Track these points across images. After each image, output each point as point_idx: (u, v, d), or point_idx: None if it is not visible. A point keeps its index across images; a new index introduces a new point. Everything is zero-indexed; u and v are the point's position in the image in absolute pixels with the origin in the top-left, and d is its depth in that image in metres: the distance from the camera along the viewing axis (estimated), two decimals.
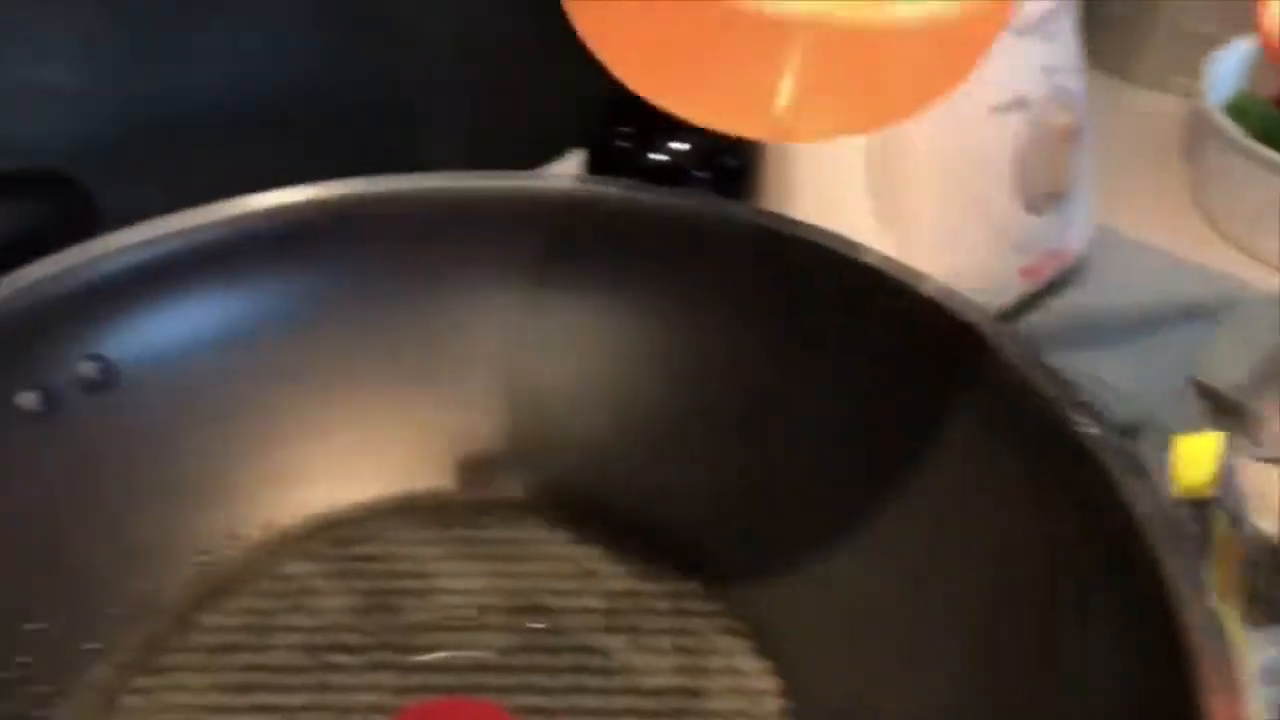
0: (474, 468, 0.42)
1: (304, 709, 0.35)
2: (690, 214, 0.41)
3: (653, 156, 0.49)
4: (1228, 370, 0.52)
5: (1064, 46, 0.56)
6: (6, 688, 0.35)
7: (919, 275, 0.38)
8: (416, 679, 0.36)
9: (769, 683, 0.36)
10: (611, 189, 0.41)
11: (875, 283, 0.38)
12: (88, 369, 0.39)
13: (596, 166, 0.51)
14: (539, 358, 0.42)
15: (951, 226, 0.54)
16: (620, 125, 0.50)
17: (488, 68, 0.58)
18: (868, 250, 0.39)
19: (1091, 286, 0.63)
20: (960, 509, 0.36)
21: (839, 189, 0.52)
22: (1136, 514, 0.30)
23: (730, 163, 0.51)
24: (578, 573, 0.39)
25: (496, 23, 0.58)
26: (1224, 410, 0.49)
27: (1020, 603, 0.34)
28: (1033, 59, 0.55)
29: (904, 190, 0.53)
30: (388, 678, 0.36)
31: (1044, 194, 0.57)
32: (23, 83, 0.45)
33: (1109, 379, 0.45)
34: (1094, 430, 0.32)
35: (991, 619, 0.34)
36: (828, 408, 0.39)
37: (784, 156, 0.52)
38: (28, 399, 0.37)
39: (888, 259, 0.38)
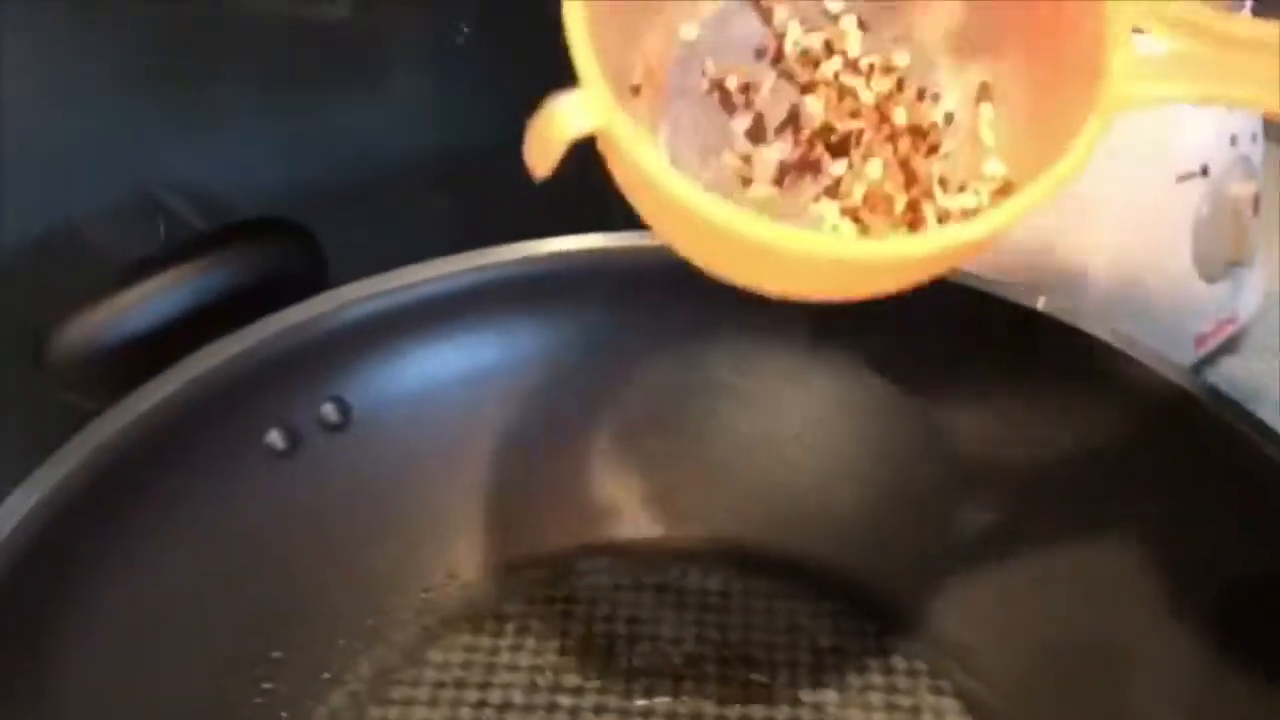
0: (679, 518, 0.43)
1: None
2: None
3: None
4: None
5: (1246, 115, 0.57)
6: (254, 712, 0.37)
7: (1130, 340, 0.39)
8: None
9: None
10: None
11: (1091, 350, 0.39)
12: (329, 410, 0.41)
13: None
14: (750, 417, 0.43)
15: (1131, 294, 0.55)
16: None
17: None
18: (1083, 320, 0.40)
19: (1256, 350, 0.63)
20: (1168, 557, 0.36)
21: (1021, 255, 0.52)
22: None
23: None
24: (785, 627, 0.40)
25: None
26: None
27: (1234, 649, 0.34)
28: (1218, 128, 0.55)
29: (1084, 257, 0.54)
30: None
31: (1222, 262, 0.57)
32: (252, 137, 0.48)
33: None
34: None
35: (1208, 673, 0.34)
36: (1038, 471, 0.40)
37: None
38: (275, 437, 0.40)
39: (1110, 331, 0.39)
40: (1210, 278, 0.57)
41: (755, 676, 0.39)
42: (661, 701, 0.38)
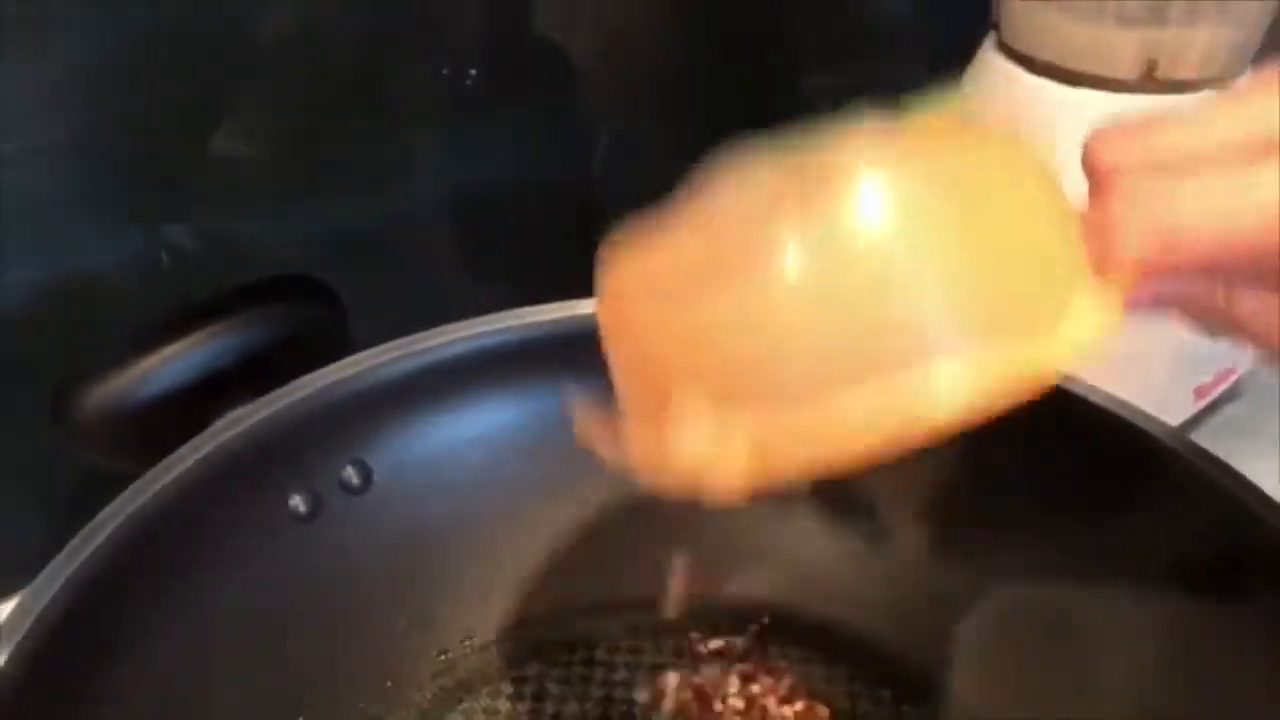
0: (698, 579, 0.44)
1: None
2: None
3: None
4: None
5: None
6: None
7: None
8: None
9: None
10: None
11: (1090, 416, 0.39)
12: (350, 473, 0.41)
13: None
14: None
15: (1134, 351, 0.55)
16: None
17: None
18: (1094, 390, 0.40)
19: (1250, 399, 0.64)
20: (1180, 631, 0.37)
21: None
22: None
23: None
24: (805, 691, 0.41)
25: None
26: None
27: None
28: None
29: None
30: None
31: None
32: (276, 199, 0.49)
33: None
34: None
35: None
36: (1052, 537, 0.40)
37: None
38: (298, 502, 0.40)
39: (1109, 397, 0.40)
40: (1210, 334, 0.58)
41: None
42: None
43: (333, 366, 0.40)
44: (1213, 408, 0.62)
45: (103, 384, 0.40)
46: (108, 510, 0.35)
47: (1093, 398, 0.40)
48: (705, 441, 0.24)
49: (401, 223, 0.53)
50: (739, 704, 0.40)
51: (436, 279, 0.54)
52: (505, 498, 0.43)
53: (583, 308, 0.43)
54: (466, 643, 0.42)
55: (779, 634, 0.43)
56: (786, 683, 0.41)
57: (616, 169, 0.60)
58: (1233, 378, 0.61)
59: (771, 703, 0.40)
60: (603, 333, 0.27)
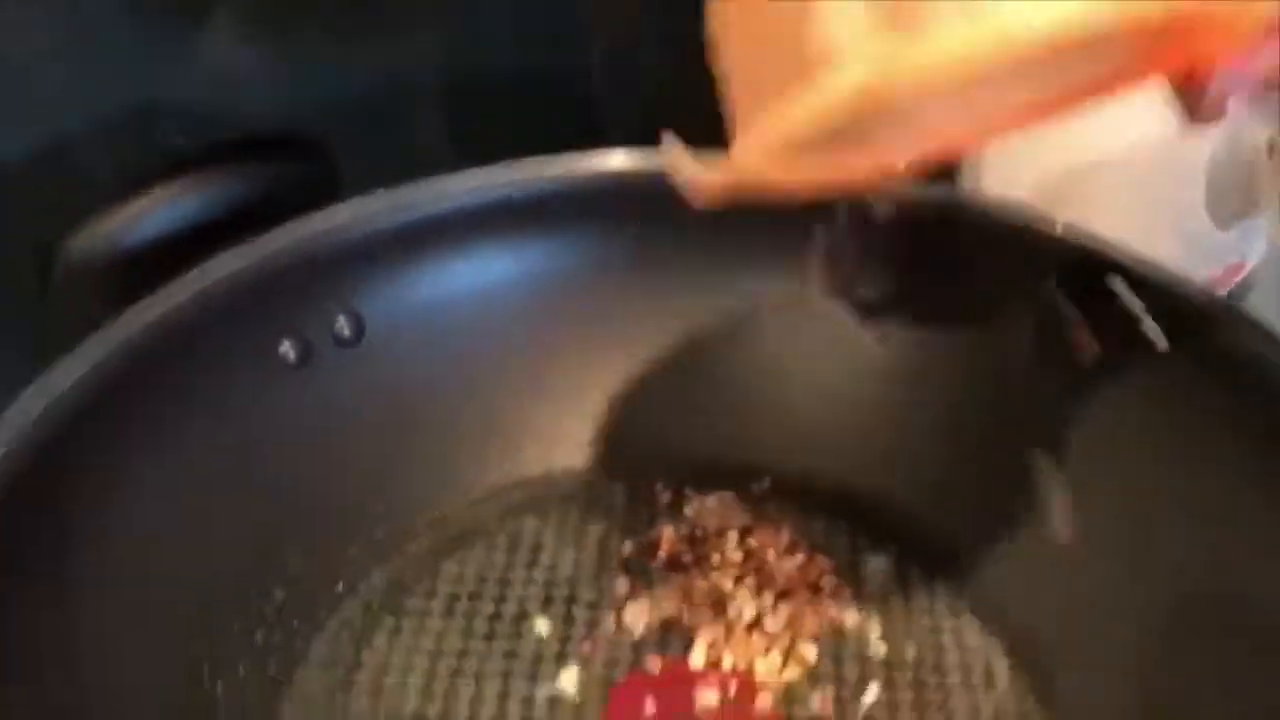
0: (696, 439, 0.43)
1: (548, 658, 0.37)
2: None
3: None
4: None
5: None
6: (268, 618, 0.37)
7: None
8: (653, 640, 0.37)
9: (1000, 662, 0.37)
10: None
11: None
12: (342, 324, 0.40)
13: None
14: (771, 340, 0.43)
15: (1141, 237, 0.54)
16: None
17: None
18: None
19: (1259, 296, 0.63)
20: (1176, 475, 0.36)
21: (1038, 195, 0.52)
22: None
23: None
24: (806, 545, 0.40)
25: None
26: None
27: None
28: None
29: (1095, 198, 0.53)
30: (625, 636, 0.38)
31: (1236, 208, 0.57)
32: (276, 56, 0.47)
33: None
34: None
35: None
36: (1062, 396, 0.39)
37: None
38: (287, 349, 0.39)
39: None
40: (1222, 223, 0.57)
41: (778, 596, 0.38)
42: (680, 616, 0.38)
43: (326, 211, 0.40)
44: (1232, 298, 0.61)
45: (91, 228, 0.39)
46: (91, 341, 0.34)
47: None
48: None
49: (395, 93, 0.52)
50: (736, 556, 0.39)
51: (429, 152, 0.53)
52: (501, 354, 0.42)
53: (583, 164, 0.42)
54: (461, 496, 0.42)
55: (780, 495, 0.42)
56: (786, 537, 0.40)
57: (616, 65, 0.59)
58: (1243, 271, 0.60)
59: (770, 555, 0.39)
60: (714, 33, 0.25)
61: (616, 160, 0.42)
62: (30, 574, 0.31)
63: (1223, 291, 0.59)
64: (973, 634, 0.38)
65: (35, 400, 0.32)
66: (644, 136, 0.42)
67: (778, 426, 0.43)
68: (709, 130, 0.26)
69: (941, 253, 0.41)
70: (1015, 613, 0.38)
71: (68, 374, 0.33)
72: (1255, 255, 0.61)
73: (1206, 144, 0.54)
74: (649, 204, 0.41)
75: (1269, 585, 0.33)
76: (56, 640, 0.31)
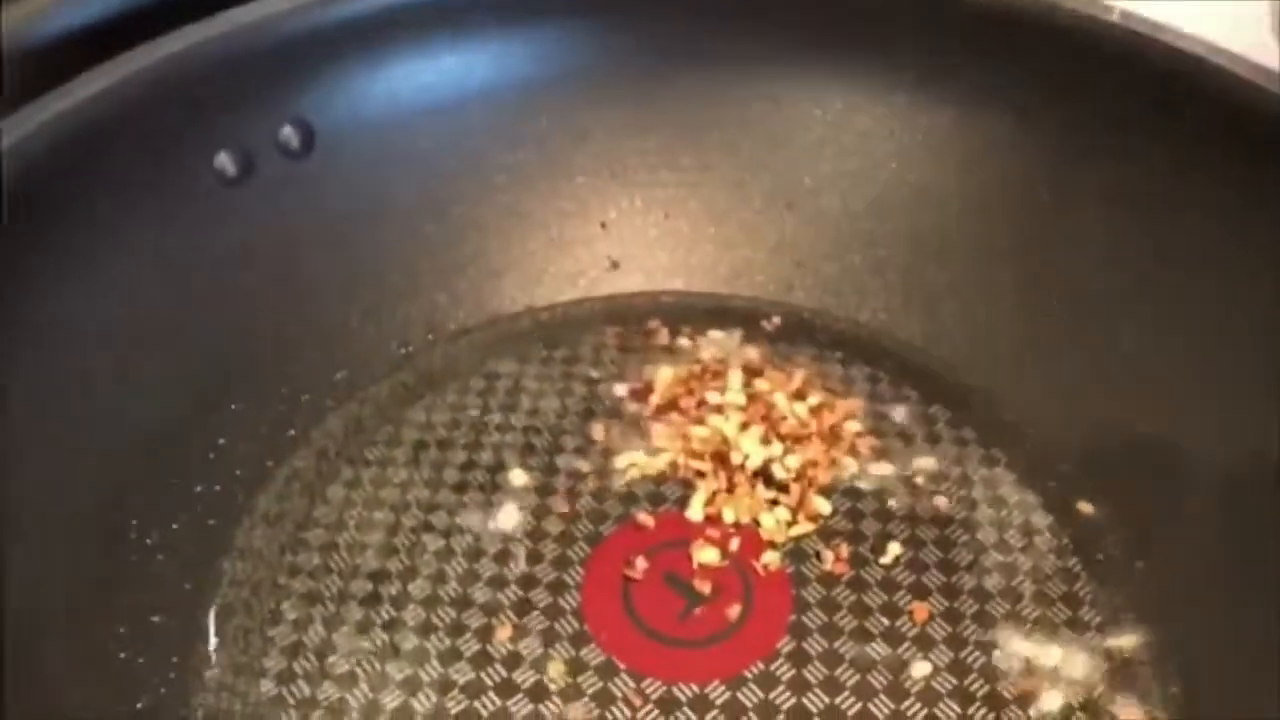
0: (688, 271, 0.38)
1: (529, 510, 0.32)
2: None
3: None
4: None
5: None
6: (210, 468, 0.32)
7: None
8: (644, 488, 0.33)
9: (1039, 518, 0.32)
10: None
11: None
12: (288, 134, 0.35)
13: None
14: (780, 154, 0.37)
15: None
16: None
17: None
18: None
19: None
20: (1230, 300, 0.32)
21: None
22: None
23: None
24: (822, 388, 0.36)
25: None
26: None
27: None
28: None
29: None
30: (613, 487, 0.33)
31: None
32: None
33: None
34: None
35: None
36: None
37: None
38: (224, 160, 0.34)
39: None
40: None
41: (788, 443, 0.34)
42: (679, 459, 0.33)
43: (264, 2, 0.34)
44: None
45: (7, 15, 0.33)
46: None
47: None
48: None
49: None
50: (739, 399, 0.35)
51: None
52: (474, 172, 0.37)
53: None
54: (430, 335, 0.37)
55: (791, 334, 0.37)
56: (798, 380, 0.36)
57: None
58: None
59: (780, 398, 0.35)
60: None
61: None
62: None
63: None
64: (1008, 487, 0.33)
65: None
66: None
67: (791, 257, 0.38)
68: None
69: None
70: (1057, 464, 0.33)
71: None
72: None
73: None
74: None
75: None
76: None
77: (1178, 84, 0.31)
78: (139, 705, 0.27)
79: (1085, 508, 0.32)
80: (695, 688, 0.28)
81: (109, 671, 0.27)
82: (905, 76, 0.35)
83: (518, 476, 0.33)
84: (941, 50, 0.34)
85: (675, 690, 0.28)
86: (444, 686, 0.28)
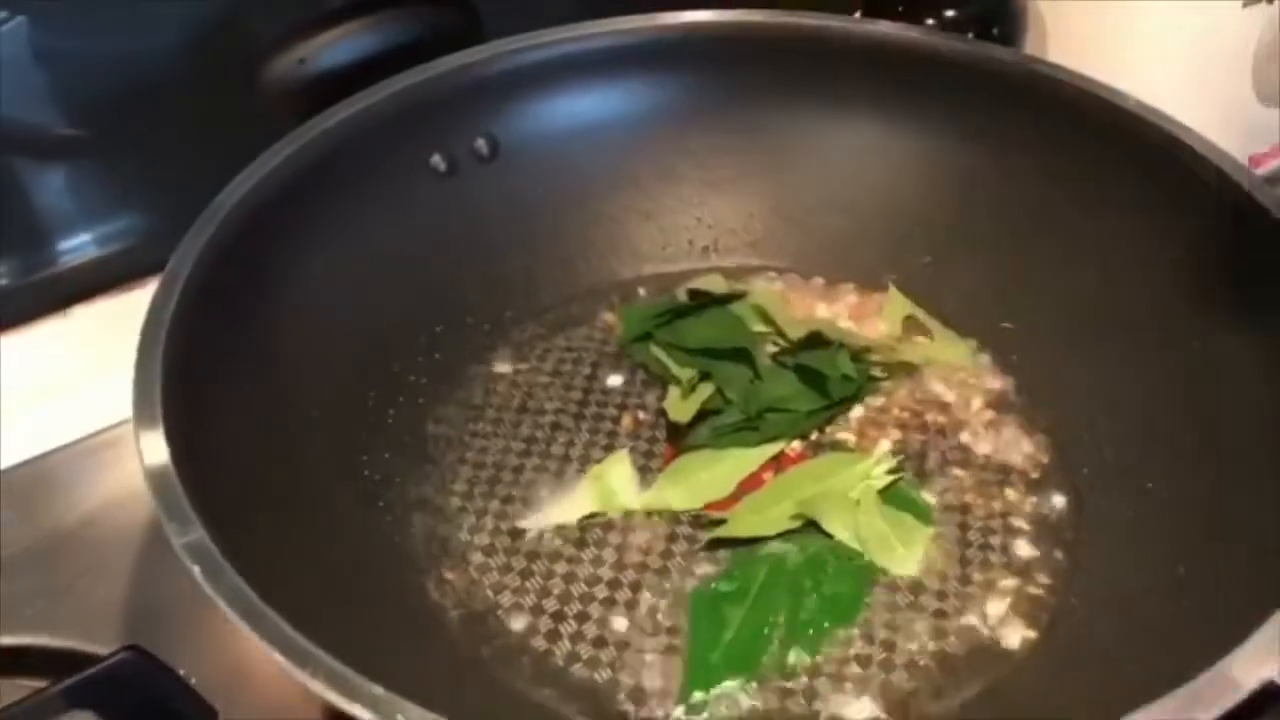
0: (760, 251, 0.52)
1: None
2: (963, 55, 0.49)
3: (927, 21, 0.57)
4: None
5: None
6: (423, 365, 0.47)
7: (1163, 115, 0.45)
8: None
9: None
10: (919, 34, 0.50)
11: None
12: (481, 144, 0.50)
13: None
14: (819, 169, 0.51)
15: (1191, 115, 0.60)
16: None
17: None
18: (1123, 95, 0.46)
19: None
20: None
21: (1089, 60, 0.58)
22: None
23: (993, 33, 0.58)
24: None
25: None
26: None
27: None
28: None
29: (1145, 71, 0.58)
30: None
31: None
32: None
33: None
34: None
35: None
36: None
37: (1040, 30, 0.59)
38: (437, 160, 0.49)
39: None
40: (1268, 101, 0.62)
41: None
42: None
43: (471, 49, 0.49)
44: (1272, 182, 0.66)
45: (285, 55, 0.49)
46: (285, 140, 0.44)
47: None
48: None
49: None
50: None
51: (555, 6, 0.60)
52: (609, 176, 0.51)
53: (676, 18, 0.51)
54: (568, 290, 0.51)
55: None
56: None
57: None
58: None
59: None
60: None
61: (703, 16, 0.51)
62: (238, 317, 0.41)
63: (1264, 170, 0.64)
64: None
65: (242, 184, 0.42)
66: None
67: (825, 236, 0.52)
68: None
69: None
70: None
71: (265, 164, 0.43)
72: None
73: (1255, 23, 0.60)
74: (730, 51, 0.50)
75: None
76: (258, 362, 0.41)
77: (1089, 116, 0.45)
78: (379, 504, 0.42)
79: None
80: None
81: (359, 481, 0.42)
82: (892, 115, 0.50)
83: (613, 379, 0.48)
84: (926, 96, 0.48)
85: None
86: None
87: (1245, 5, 0.59)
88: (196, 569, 0.30)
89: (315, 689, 0.27)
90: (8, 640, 0.42)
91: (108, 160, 0.55)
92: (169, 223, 0.41)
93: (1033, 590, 0.39)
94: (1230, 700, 0.27)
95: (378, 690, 0.26)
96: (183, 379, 0.35)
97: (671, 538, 0.41)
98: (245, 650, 0.43)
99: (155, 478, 0.32)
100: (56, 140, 0.55)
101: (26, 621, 0.43)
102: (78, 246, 0.57)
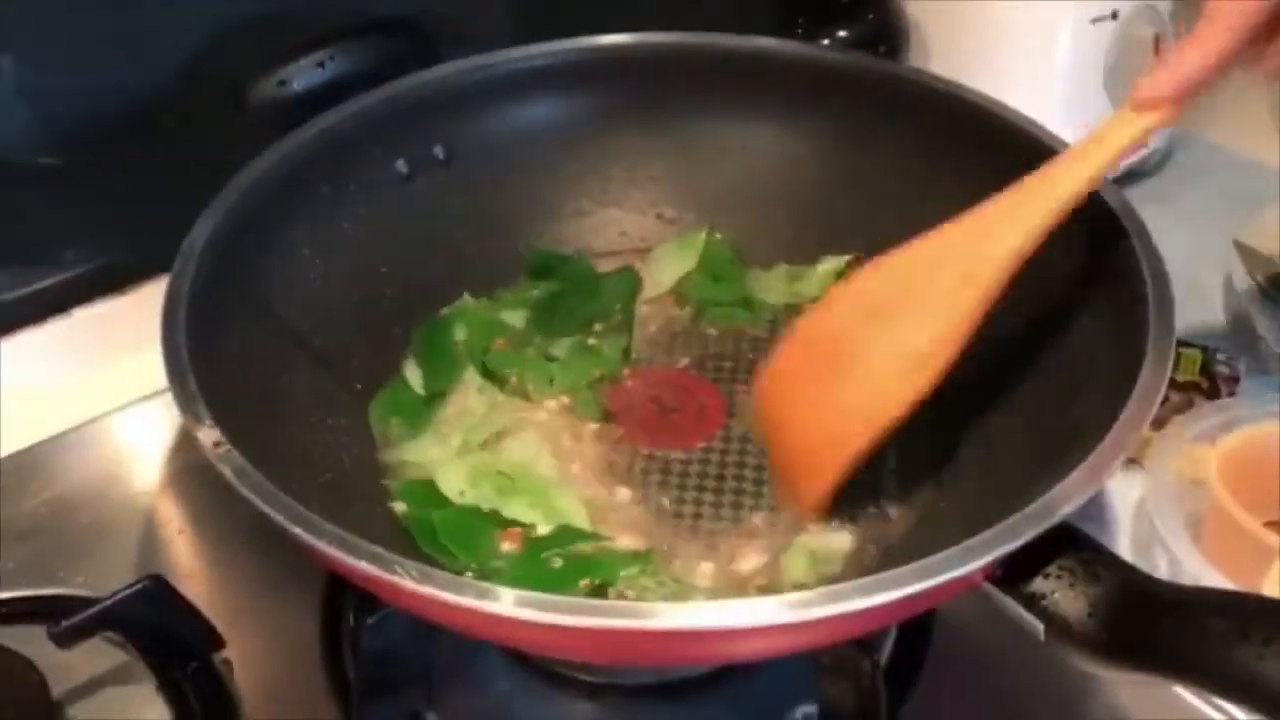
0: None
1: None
2: (840, 64, 0.59)
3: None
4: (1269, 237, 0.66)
5: None
6: (391, 319, 0.55)
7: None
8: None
9: None
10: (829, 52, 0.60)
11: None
12: (439, 150, 0.58)
13: None
14: (734, 159, 0.60)
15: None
16: (795, 16, 0.68)
17: None
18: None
19: (1168, 176, 0.77)
20: None
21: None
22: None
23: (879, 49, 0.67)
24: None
25: None
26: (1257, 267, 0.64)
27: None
28: None
29: (1003, 82, 0.67)
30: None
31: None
32: None
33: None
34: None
35: None
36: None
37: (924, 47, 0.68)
38: (401, 165, 0.57)
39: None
40: (1117, 102, 0.71)
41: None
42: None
43: (428, 70, 0.57)
44: (1133, 179, 0.75)
45: (269, 79, 0.57)
46: (271, 149, 0.52)
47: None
48: None
49: None
50: None
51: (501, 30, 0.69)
52: (547, 174, 0.60)
53: (605, 41, 0.59)
54: (520, 266, 0.60)
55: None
56: None
57: None
58: (1145, 149, 0.74)
59: None
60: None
61: (626, 38, 0.59)
62: (239, 287, 0.48)
63: (1124, 164, 0.73)
64: None
65: (239, 183, 0.50)
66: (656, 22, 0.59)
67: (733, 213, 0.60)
68: None
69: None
70: None
71: (254, 170, 0.51)
72: (1160, 136, 0.76)
73: (1103, 38, 0.69)
74: (650, 68, 0.59)
75: None
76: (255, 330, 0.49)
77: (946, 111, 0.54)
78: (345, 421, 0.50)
79: None
80: None
81: (339, 407, 0.50)
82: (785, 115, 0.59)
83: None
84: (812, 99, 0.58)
85: None
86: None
87: (1093, 22, 0.69)
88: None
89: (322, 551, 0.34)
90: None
91: (99, 181, 0.63)
92: (156, 240, 0.48)
93: None
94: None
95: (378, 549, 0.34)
96: (200, 348, 0.43)
97: None
98: (239, 598, 0.51)
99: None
100: (47, 166, 0.62)
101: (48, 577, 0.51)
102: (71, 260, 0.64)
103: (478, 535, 0.47)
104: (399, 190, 0.57)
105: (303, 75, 0.57)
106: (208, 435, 0.38)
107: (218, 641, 0.48)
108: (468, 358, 0.55)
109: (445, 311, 0.57)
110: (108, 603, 0.46)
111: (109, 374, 0.61)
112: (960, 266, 0.44)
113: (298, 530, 0.35)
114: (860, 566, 0.46)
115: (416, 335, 0.55)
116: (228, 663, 0.48)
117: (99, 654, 0.47)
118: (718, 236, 0.60)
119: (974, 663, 0.46)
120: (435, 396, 0.53)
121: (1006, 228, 0.43)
